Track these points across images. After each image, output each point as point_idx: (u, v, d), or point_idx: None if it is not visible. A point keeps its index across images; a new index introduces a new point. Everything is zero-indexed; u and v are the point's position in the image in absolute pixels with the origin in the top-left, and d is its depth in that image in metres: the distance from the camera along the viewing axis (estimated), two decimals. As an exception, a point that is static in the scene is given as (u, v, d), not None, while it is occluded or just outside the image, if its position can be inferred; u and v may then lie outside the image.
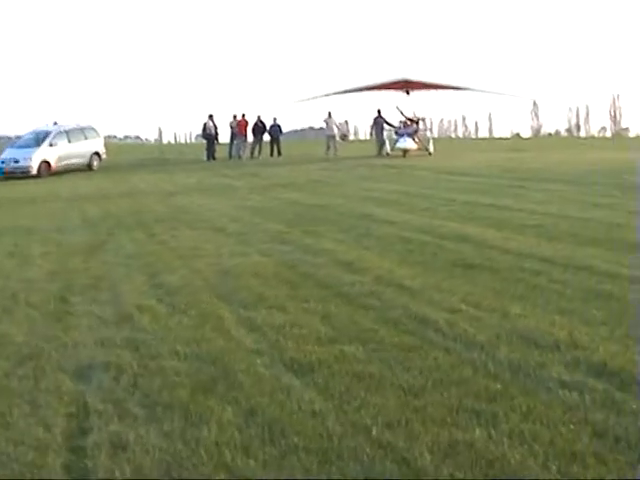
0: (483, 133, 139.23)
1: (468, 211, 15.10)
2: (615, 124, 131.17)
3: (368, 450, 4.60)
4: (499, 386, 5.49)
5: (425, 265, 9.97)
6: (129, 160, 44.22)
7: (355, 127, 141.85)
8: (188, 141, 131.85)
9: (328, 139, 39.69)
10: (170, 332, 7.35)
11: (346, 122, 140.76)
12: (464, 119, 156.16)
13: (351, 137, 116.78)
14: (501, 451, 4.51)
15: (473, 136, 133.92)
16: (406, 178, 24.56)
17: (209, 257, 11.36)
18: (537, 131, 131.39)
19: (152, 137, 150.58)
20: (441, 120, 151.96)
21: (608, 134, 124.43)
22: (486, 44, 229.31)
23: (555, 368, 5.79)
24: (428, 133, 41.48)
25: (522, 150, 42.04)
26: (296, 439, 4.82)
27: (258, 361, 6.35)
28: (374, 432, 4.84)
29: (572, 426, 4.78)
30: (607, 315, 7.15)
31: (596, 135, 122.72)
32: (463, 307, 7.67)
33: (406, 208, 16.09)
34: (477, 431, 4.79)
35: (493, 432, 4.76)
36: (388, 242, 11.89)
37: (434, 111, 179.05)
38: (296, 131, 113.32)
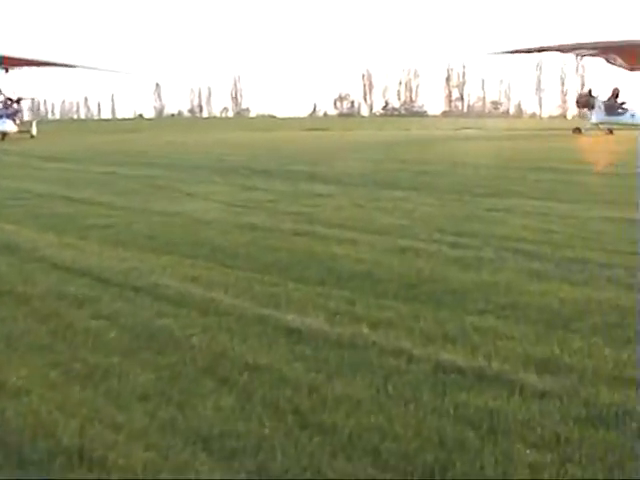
0: (106, 114, 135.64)
1: (36, 206, 12.29)
2: (236, 105, 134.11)
3: None
4: None
5: None
6: None
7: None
8: None
9: None
10: None
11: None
12: (86, 100, 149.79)
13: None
14: None
15: (96, 117, 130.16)
16: (-12, 165, 21.08)
17: None
18: (160, 112, 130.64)
19: None
20: (63, 101, 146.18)
21: (230, 114, 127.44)
22: (108, 23, 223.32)
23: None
24: (31, 114, 38.02)
25: (139, 131, 39.90)
26: None
27: None
28: None
29: None
30: (152, 386, 4.75)
31: (218, 115, 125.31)
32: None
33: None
34: None
35: None
36: None
37: (43, 91, 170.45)
38: None
